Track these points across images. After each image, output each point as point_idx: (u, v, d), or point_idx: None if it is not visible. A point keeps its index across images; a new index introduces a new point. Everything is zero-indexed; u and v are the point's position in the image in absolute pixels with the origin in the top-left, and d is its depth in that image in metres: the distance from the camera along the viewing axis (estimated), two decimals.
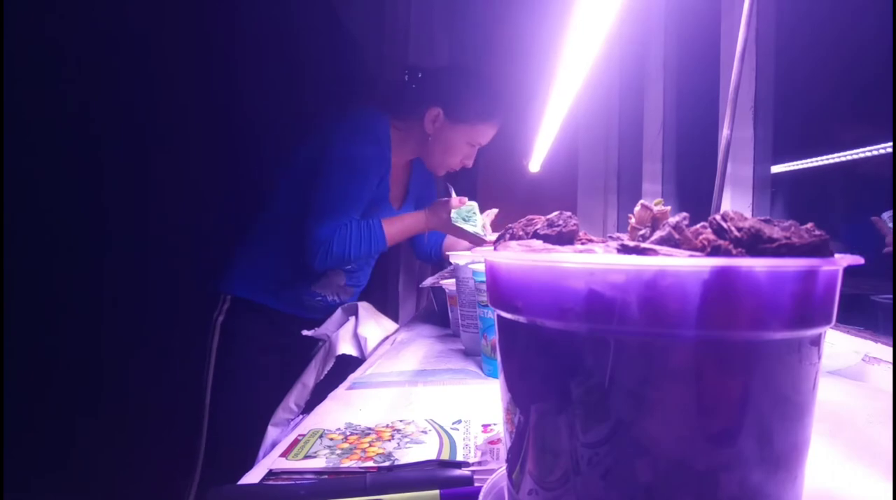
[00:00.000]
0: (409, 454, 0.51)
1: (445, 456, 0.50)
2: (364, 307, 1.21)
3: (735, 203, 0.97)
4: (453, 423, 0.59)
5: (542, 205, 1.30)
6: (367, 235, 1.20)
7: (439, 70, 1.37)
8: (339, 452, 0.52)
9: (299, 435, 0.57)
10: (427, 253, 1.58)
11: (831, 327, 0.26)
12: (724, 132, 0.34)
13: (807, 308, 0.24)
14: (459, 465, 0.48)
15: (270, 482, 0.47)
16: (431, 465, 0.48)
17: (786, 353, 0.24)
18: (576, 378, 0.25)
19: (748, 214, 0.40)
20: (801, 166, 1.23)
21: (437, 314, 1.31)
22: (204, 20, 1.98)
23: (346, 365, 1.04)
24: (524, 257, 0.27)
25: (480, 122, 1.30)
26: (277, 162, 1.35)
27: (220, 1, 1.99)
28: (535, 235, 0.30)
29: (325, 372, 1.07)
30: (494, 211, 1.42)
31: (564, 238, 0.30)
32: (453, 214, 1.28)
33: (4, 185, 1.90)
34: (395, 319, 1.47)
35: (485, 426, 0.58)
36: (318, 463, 0.50)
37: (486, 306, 0.79)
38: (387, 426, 0.59)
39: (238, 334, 1.28)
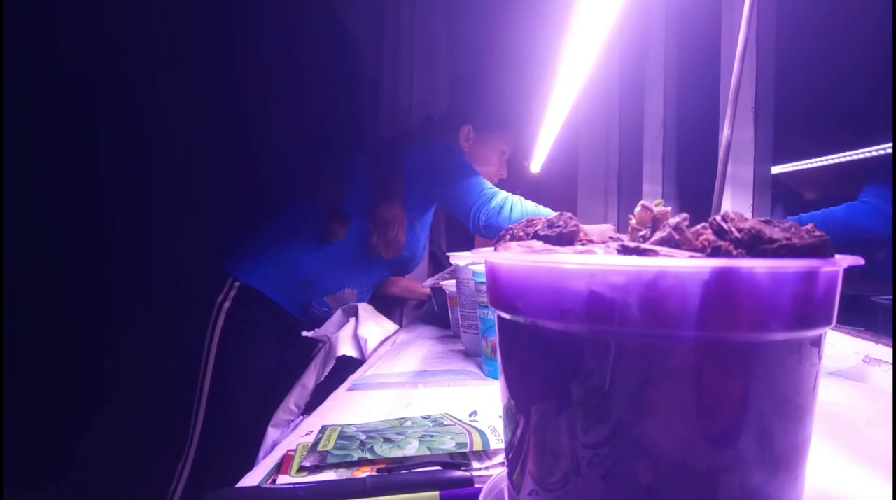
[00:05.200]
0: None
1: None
2: (364, 308, 1.21)
3: (735, 204, 0.97)
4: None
5: (543, 206, 1.31)
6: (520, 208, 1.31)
7: (457, 90, 1.56)
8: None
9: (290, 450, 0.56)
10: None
11: (832, 328, 0.26)
12: (725, 133, 0.34)
13: (807, 309, 0.24)
14: (459, 466, 0.48)
15: (269, 486, 0.47)
16: (432, 466, 0.48)
17: (786, 354, 0.24)
18: (576, 379, 0.25)
19: (748, 214, 0.40)
20: (800, 167, 1.23)
21: (437, 315, 1.31)
22: (204, 20, 1.98)
23: (347, 366, 1.04)
24: (524, 258, 0.27)
25: (504, 128, 1.48)
26: (340, 173, 1.37)
27: (220, 2, 1.99)
28: (536, 236, 0.30)
29: (326, 373, 1.07)
30: None
31: (565, 239, 0.30)
32: None
33: (5, 158, 1.88)
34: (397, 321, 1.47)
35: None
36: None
37: (486, 306, 0.79)
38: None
39: (244, 323, 1.25)
